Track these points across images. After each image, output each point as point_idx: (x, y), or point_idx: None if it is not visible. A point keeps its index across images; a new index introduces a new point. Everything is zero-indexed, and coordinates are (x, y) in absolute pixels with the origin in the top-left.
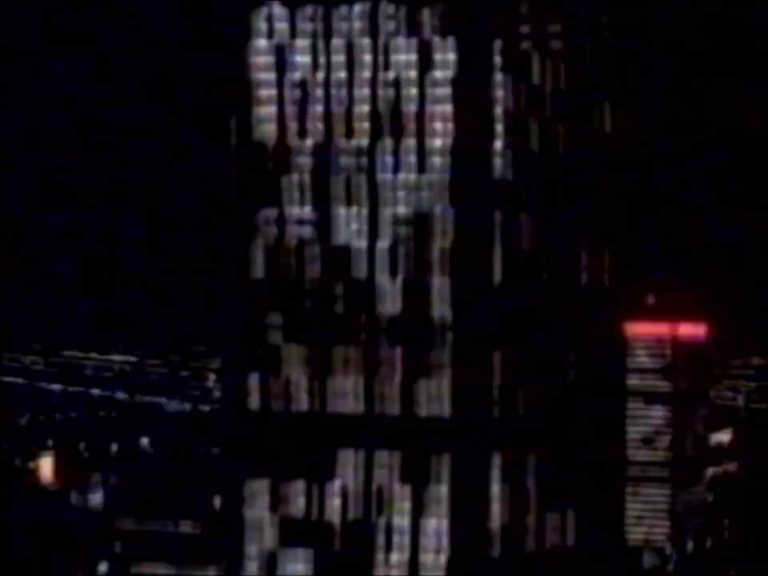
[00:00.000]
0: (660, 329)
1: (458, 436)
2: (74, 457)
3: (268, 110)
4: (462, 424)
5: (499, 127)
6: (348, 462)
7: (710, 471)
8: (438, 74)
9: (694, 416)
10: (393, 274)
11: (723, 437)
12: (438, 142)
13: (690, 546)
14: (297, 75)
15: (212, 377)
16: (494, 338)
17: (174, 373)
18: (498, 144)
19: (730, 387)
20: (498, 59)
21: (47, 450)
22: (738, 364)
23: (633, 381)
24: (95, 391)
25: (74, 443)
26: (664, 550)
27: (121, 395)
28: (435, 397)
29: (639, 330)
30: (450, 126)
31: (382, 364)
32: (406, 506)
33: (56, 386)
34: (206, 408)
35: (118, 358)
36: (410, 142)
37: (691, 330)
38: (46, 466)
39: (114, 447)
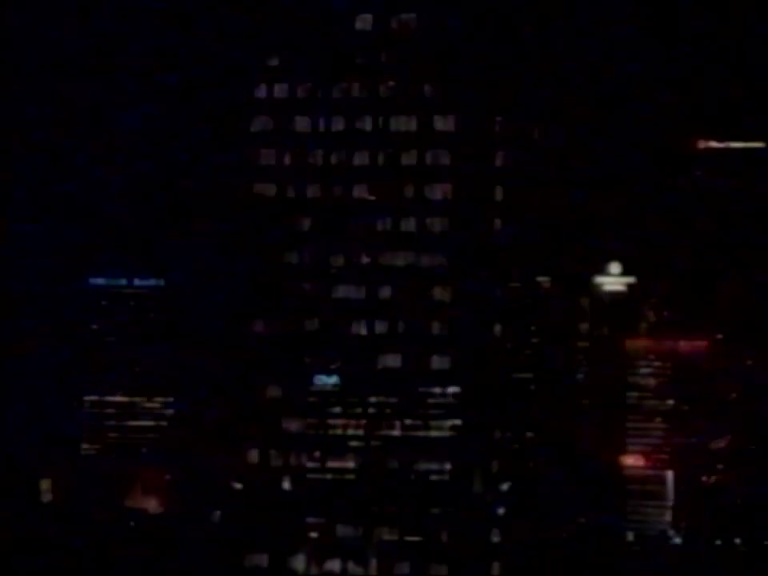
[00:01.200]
0: (660, 345)
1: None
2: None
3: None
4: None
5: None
6: None
7: (711, 480)
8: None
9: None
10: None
11: (722, 444)
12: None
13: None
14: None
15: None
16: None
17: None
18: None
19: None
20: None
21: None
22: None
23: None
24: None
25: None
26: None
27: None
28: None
29: (640, 345)
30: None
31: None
32: None
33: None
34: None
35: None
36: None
37: (691, 345)
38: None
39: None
